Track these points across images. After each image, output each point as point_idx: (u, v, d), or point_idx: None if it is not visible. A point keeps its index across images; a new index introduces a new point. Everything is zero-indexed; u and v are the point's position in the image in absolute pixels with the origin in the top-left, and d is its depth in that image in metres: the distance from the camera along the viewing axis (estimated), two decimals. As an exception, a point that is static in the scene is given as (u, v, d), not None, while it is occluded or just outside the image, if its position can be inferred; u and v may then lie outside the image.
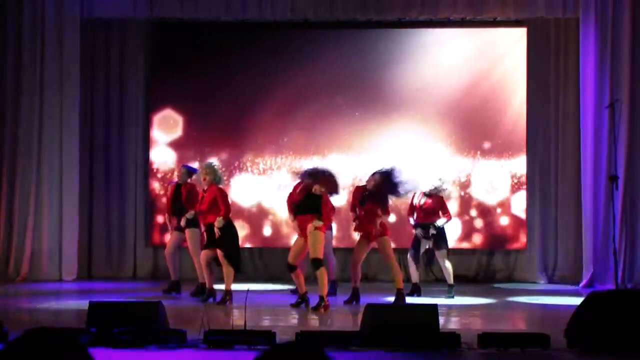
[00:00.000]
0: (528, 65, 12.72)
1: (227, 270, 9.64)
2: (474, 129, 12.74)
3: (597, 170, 12.02)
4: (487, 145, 12.73)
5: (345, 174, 12.44)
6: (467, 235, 12.73)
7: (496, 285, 12.34)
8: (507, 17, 12.52)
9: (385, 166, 10.10)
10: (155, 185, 12.83)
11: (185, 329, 6.94)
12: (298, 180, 9.76)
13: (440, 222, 10.58)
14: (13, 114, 12.37)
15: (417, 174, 10.53)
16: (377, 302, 9.46)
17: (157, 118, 12.90)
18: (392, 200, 10.11)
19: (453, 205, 12.52)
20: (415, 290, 10.60)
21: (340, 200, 12.07)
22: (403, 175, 9.93)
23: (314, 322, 8.68)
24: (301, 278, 9.52)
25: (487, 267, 12.87)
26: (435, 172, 11.36)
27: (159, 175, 12.82)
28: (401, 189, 9.92)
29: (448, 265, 10.57)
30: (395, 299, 9.79)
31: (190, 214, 10.37)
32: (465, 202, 12.74)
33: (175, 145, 12.88)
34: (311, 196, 9.37)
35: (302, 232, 9.38)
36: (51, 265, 12.34)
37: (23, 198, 12.34)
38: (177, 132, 12.90)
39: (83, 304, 7.79)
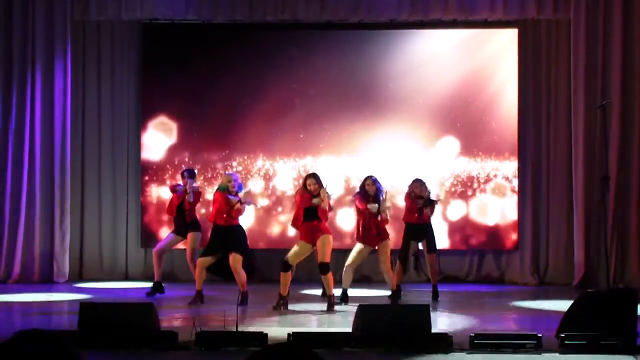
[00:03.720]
0: (519, 66, 12.72)
1: (242, 274, 9.68)
2: (464, 130, 12.74)
3: (588, 171, 12.05)
4: (478, 146, 12.73)
5: (337, 176, 12.46)
6: (458, 236, 12.74)
7: (488, 286, 12.33)
8: (498, 19, 12.55)
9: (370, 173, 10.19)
10: (148, 188, 12.79)
11: (177, 330, 6.93)
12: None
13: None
14: (4, 116, 12.34)
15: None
16: (369, 303, 9.45)
17: (149, 119, 12.87)
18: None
19: (444, 207, 12.54)
20: (397, 294, 10.18)
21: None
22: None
23: (306, 323, 8.66)
24: (289, 280, 9.49)
25: (478, 268, 12.87)
26: (426, 173, 11.31)
27: (152, 177, 12.80)
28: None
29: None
30: (390, 300, 9.81)
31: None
32: (457, 203, 12.74)
33: (166, 146, 12.84)
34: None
35: (311, 238, 9.31)
36: (43, 267, 12.31)
37: (14, 199, 12.31)
38: (169, 133, 12.86)
39: (74, 305, 7.77)
